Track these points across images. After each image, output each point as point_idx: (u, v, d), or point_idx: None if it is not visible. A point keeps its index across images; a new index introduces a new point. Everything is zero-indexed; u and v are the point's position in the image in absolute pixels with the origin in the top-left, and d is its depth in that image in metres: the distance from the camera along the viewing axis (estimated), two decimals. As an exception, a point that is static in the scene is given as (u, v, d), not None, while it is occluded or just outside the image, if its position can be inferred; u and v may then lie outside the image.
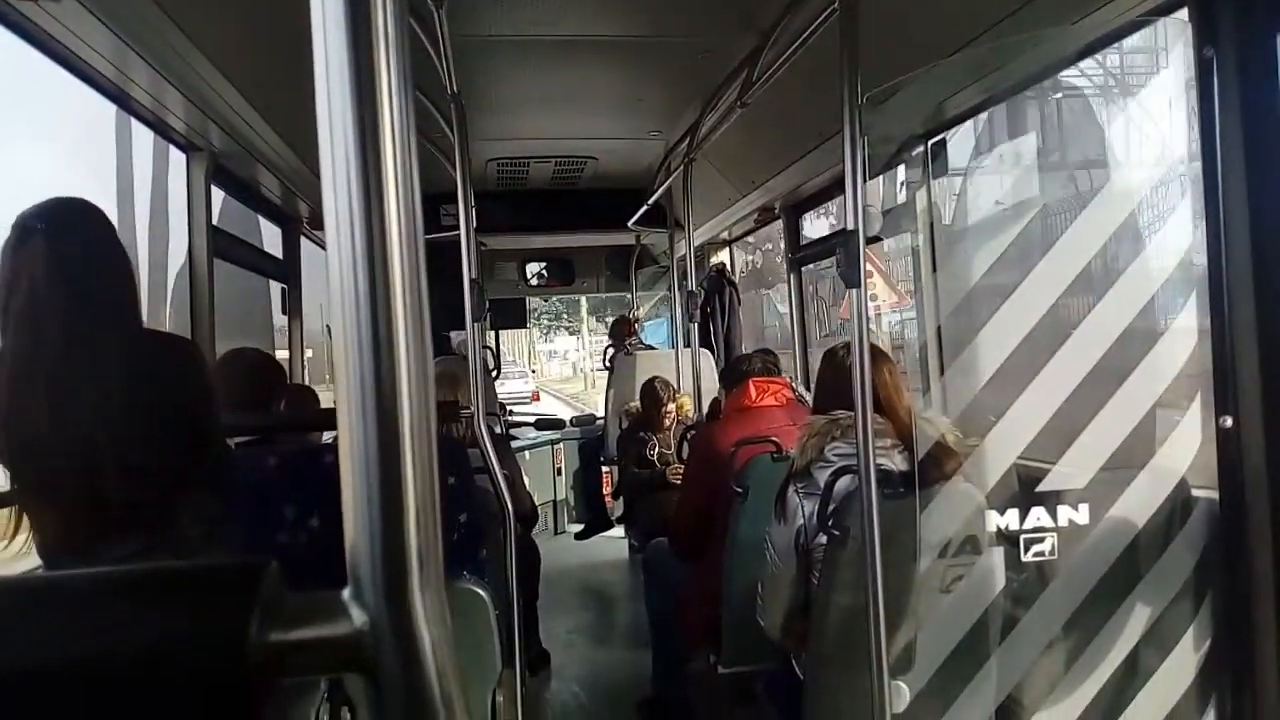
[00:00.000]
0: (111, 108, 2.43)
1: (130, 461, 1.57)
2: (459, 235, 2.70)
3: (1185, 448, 1.75)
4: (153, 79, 2.23)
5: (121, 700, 0.39)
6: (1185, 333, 1.76)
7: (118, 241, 1.68)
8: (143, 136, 2.69)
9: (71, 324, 1.55)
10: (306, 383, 3.72)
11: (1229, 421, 1.65)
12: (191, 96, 2.37)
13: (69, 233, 1.58)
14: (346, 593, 0.42)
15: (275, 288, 3.88)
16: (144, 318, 1.77)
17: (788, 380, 3.14)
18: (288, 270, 3.80)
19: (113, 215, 1.76)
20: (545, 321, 34.01)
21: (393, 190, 0.43)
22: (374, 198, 0.43)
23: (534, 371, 29.13)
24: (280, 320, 3.94)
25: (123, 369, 1.59)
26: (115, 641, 0.40)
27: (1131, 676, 1.75)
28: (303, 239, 3.94)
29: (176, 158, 2.80)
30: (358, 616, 0.41)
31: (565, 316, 33.96)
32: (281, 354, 3.85)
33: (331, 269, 0.43)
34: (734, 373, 3.10)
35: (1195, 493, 1.76)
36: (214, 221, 2.83)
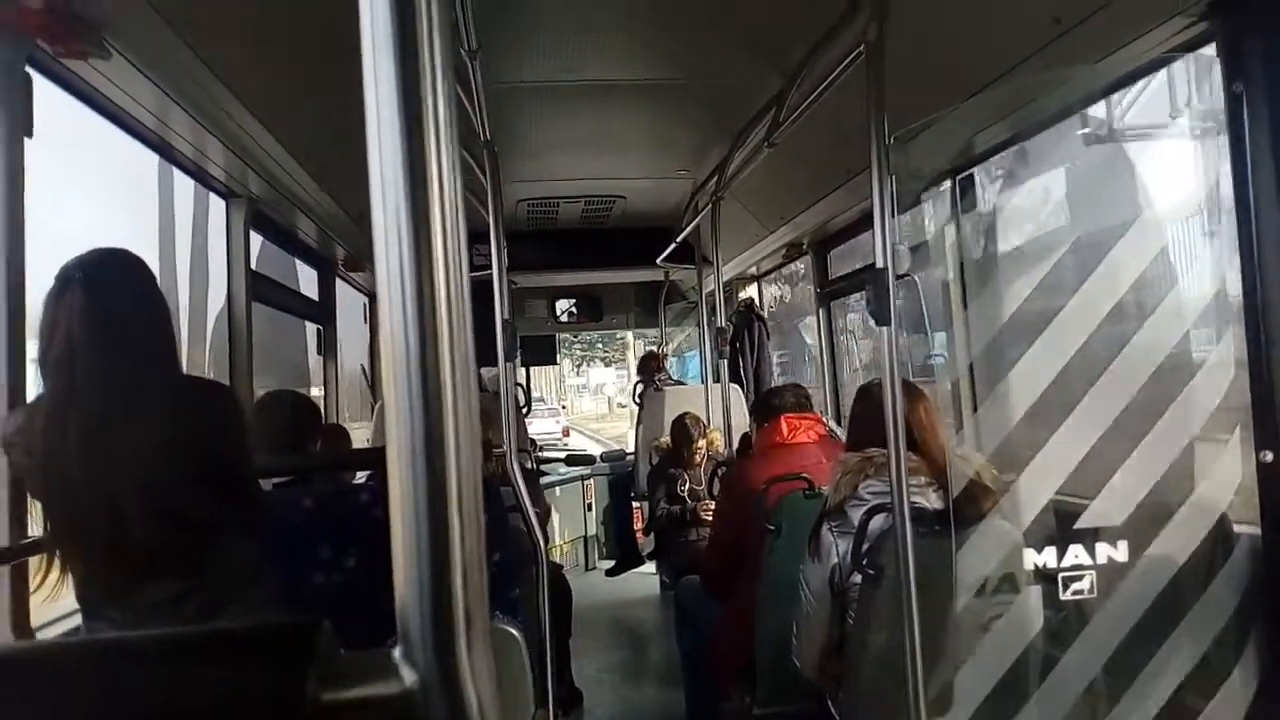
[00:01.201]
0: (154, 157, 2.50)
1: (166, 507, 1.59)
2: (491, 275, 2.73)
3: (1226, 483, 1.73)
4: (194, 129, 2.29)
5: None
6: (1223, 366, 1.74)
7: (157, 291, 1.71)
8: (184, 185, 2.76)
9: (108, 372, 1.57)
10: (339, 421, 3.77)
11: (1270, 456, 1.62)
12: (231, 145, 2.44)
13: (108, 283, 1.61)
14: (397, 651, 0.43)
15: (310, 328, 3.94)
16: (183, 360, 1.80)
17: (820, 416, 3.13)
18: (323, 312, 3.87)
19: (155, 261, 1.79)
20: (578, 352, 31.53)
21: (440, 238, 0.45)
22: (424, 246, 0.44)
23: (564, 407, 27.95)
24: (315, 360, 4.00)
25: (159, 416, 1.61)
26: (177, 701, 0.41)
27: (1177, 717, 1.71)
28: (338, 281, 4.01)
29: (216, 205, 2.87)
30: (408, 675, 0.42)
31: (601, 345, 30.77)
32: (313, 391, 3.90)
33: (382, 317, 0.45)
34: (766, 408, 3.08)
35: (1236, 528, 1.73)
36: (252, 266, 2.89)
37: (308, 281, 3.79)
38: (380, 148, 0.45)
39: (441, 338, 0.44)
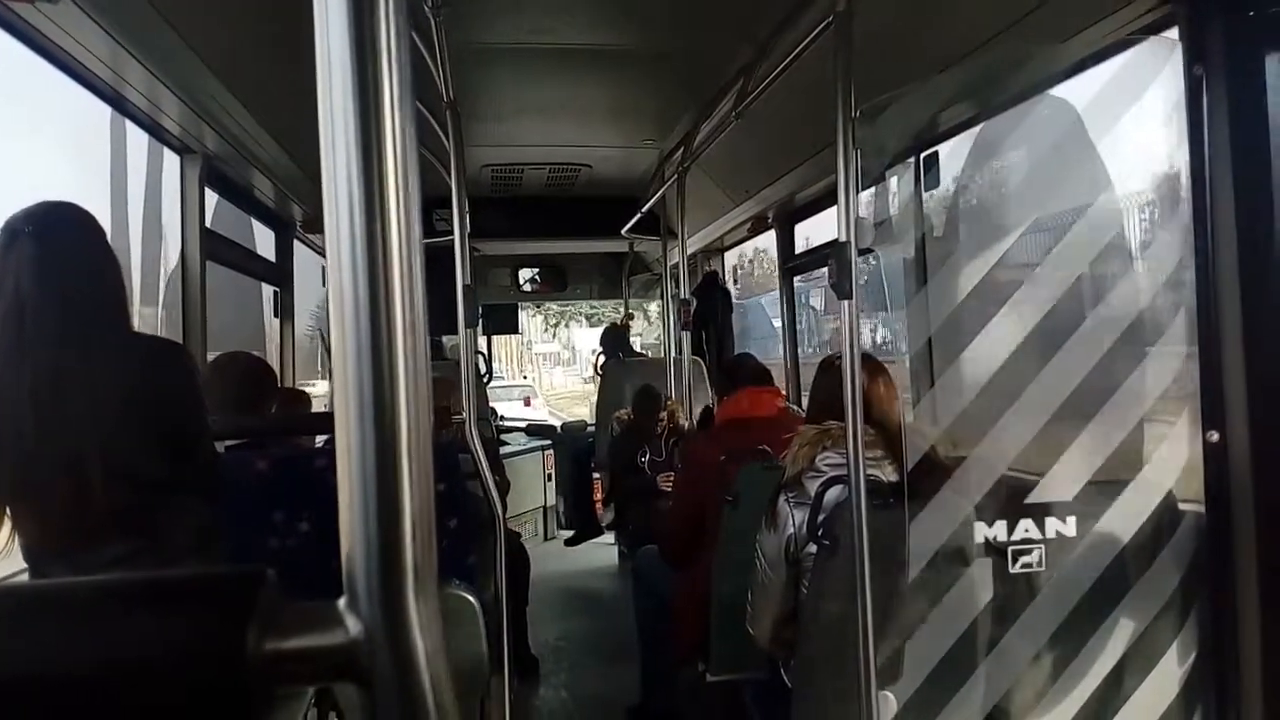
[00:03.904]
0: (107, 109, 2.43)
1: (117, 465, 1.57)
2: (452, 241, 2.70)
3: (1173, 462, 1.77)
4: (148, 81, 2.23)
5: (119, 708, 0.40)
6: (1174, 348, 1.77)
7: (107, 246, 1.67)
8: (137, 138, 2.68)
9: (58, 328, 1.55)
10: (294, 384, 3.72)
11: (1215, 436, 1.66)
12: (186, 99, 2.37)
13: (56, 237, 1.58)
14: (342, 602, 0.42)
15: (267, 290, 3.87)
16: (135, 320, 1.77)
17: (779, 390, 3.15)
18: (280, 273, 3.80)
19: (107, 216, 1.75)
20: (553, 308, 23.87)
21: (393, 199, 0.44)
22: (375, 206, 0.43)
23: (526, 377, 24.91)
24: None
25: (110, 373, 1.58)
26: (113, 649, 0.40)
27: (1118, 688, 1.76)
28: (295, 242, 3.93)
29: (170, 160, 2.79)
30: (353, 626, 0.41)
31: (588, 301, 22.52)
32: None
33: (331, 277, 0.44)
34: (727, 381, 3.10)
35: (1182, 506, 1.77)
36: (207, 224, 2.83)
37: (264, 242, 3.71)
38: (331, 104, 0.44)
39: (393, 296, 0.43)
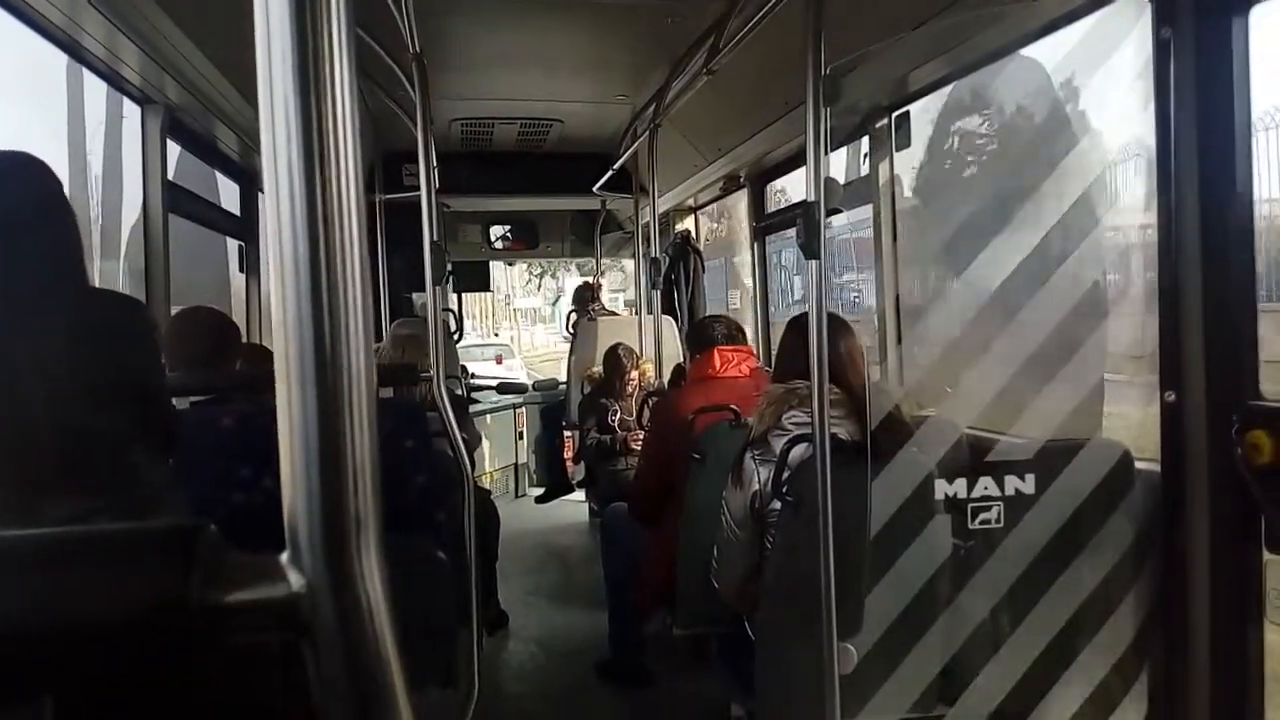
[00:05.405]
0: (63, 57, 2.36)
1: (72, 422, 1.54)
2: (421, 196, 2.66)
3: (1129, 420, 1.80)
4: (106, 29, 2.16)
5: (60, 660, 0.39)
6: (1135, 310, 1.80)
7: (63, 197, 1.63)
8: (96, 88, 2.61)
9: (11, 281, 1.51)
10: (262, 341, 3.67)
11: (1172, 396, 1.70)
12: (145, 48, 2.31)
13: (9, 187, 1.54)
14: (285, 556, 0.42)
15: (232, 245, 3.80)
16: (97, 274, 1.73)
17: (752, 349, 3.16)
18: (245, 228, 3.73)
19: (65, 168, 1.71)
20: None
21: (333, 142, 0.43)
22: (314, 149, 0.42)
23: (497, 334, 23.84)
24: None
25: (65, 328, 1.55)
26: (54, 602, 0.40)
27: (1074, 639, 1.81)
28: (260, 196, 3.86)
29: (131, 111, 2.72)
30: (295, 579, 0.41)
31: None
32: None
33: (270, 224, 0.43)
34: (699, 340, 3.11)
35: (1138, 464, 1.81)
36: (169, 176, 2.77)
37: (229, 196, 3.64)
38: (270, 42, 0.43)
39: (333, 242, 0.42)
